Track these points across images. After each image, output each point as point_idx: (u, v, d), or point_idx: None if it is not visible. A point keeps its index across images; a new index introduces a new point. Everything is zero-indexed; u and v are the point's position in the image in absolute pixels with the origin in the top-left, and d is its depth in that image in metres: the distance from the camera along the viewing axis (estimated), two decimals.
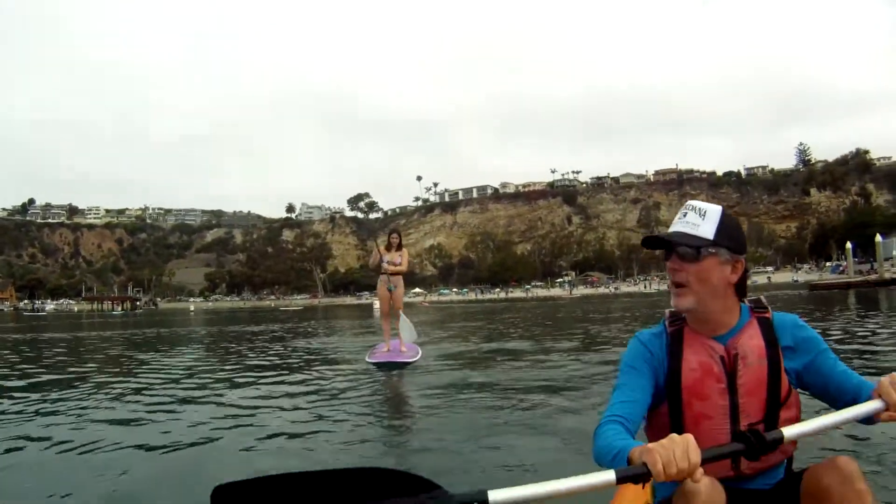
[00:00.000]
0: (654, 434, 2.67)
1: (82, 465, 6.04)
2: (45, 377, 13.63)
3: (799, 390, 2.62)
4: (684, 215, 2.57)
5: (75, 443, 6.97)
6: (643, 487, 2.58)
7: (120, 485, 5.41)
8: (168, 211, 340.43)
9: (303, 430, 7.34)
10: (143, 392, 10.79)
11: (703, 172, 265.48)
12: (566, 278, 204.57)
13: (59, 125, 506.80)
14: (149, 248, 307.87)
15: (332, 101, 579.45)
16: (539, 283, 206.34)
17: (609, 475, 2.03)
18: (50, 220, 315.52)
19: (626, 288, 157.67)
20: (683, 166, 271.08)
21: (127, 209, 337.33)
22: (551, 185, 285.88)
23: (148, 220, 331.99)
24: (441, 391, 9.78)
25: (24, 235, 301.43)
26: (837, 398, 2.57)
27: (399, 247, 14.26)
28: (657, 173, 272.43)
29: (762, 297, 2.61)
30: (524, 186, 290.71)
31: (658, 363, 2.63)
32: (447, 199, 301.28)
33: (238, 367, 15.14)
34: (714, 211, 2.55)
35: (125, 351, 21.57)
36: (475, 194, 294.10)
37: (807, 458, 3.63)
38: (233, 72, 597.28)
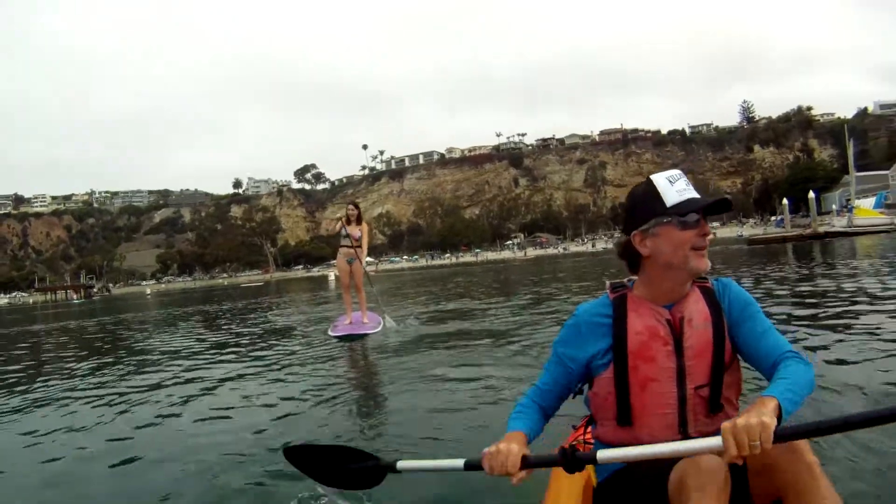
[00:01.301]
0: (600, 402, 2.73)
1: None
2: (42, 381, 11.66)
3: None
4: (680, 181, 2.63)
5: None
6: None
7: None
8: (115, 194, 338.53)
9: (273, 407, 7.57)
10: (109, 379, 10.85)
11: (648, 132, 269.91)
12: (515, 240, 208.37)
13: None
14: (98, 234, 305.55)
15: (275, 71, 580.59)
16: (489, 247, 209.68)
17: (458, 462, 2.53)
18: None
19: (574, 248, 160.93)
20: (628, 126, 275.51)
21: (73, 195, 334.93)
22: (497, 148, 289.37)
23: (95, 205, 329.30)
24: (400, 360, 10.18)
25: None
26: (754, 362, 2.64)
27: (359, 219, 14.64)
28: (602, 133, 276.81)
29: None
30: (470, 151, 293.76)
31: (601, 335, 2.68)
32: (394, 166, 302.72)
33: (204, 345, 15.48)
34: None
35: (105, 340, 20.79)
36: (422, 161, 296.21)
37: None
38: (173, 44, 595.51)
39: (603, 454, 2.30)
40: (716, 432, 2.38)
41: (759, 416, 2.07)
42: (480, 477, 2.74)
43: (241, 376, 9.99)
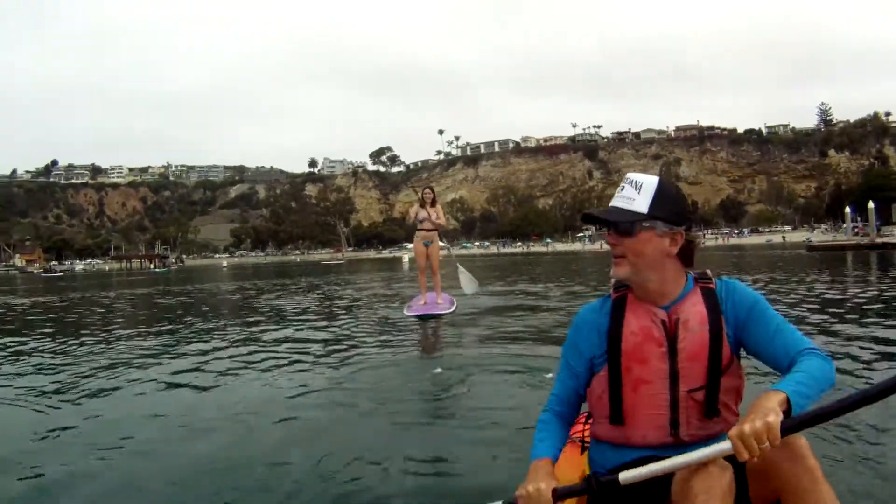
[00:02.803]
0: (594, 402, 2.75)
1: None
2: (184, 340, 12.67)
3: (748, 357, 2.67)
4: (622, 189, 2.63)
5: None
6: (580, 454, 3.04)
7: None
8: (191, 168, 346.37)
9: (344, 381, 7.87)
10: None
11: (725, 129, 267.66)
12: (587, 233, 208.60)
13: (74, 83, 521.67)
14: (173, 206, 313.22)
15: (354, 52, 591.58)
16: (560, 238, 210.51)
17: None
18: (74, 181, 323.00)
19: None
20: (705, 123, 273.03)
21: (150, 167, 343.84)
22: (572, 139, 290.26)
23: (171, 178, 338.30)
24: (472, 339, 10.73)
25: (48, 197, 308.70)
26: (772, 363, 2.61)
27: (433, 202, 15.17)
28: (678, 129, 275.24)
29: (708, 271, 2.66)
30: (545, 140, 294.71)
31: (597, 335, 2.68)
32: (469, 152, 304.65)
33: (278, 318, 16.37)
34: (650, 183, 2.61)
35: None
36: (497, 148, 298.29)
37: None
38: (254, 23, 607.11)
39: (625, 476, 2.34)
40: (710, 436, 2.57)
41: (763, 418, 2.07)
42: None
43: (323, 346, 10.93)
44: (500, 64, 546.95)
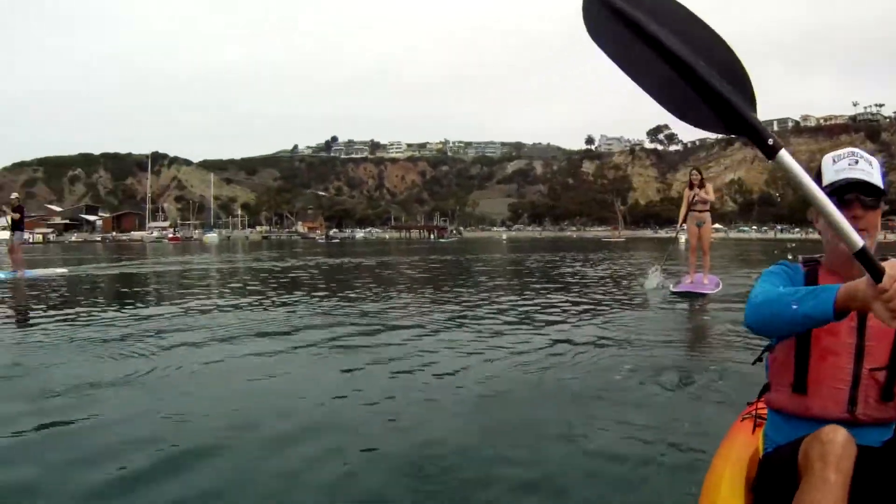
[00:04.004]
0: (779, 366, 2.71)
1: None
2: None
3: None
4: (855, 162, 2.52)
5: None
6: (752, 432, 2.97)
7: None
8: (468, 144, 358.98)
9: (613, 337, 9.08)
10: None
11: None
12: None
13: (357, 69, 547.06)
14: (451, 180, 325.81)
15: None
16: None
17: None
18: (354, 156, 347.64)
19: None
20: None
21: (427, 143, 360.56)
22: (853, 119, 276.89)
23: (449, 153, 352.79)
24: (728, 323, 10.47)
25: (330, 170, 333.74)
26: None
27: (701, 184, 15.50)
28: None
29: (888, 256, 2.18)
30: (825, 120, 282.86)
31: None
32: None
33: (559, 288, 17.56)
34: (875, 160, 2.49)
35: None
36: (775, 127, 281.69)
37: None
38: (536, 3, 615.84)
39: None
40: (883, 420, 2.53)
41: None
42: None
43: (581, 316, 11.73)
44: (776, 38, 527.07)
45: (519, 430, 5.06)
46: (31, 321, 11.96)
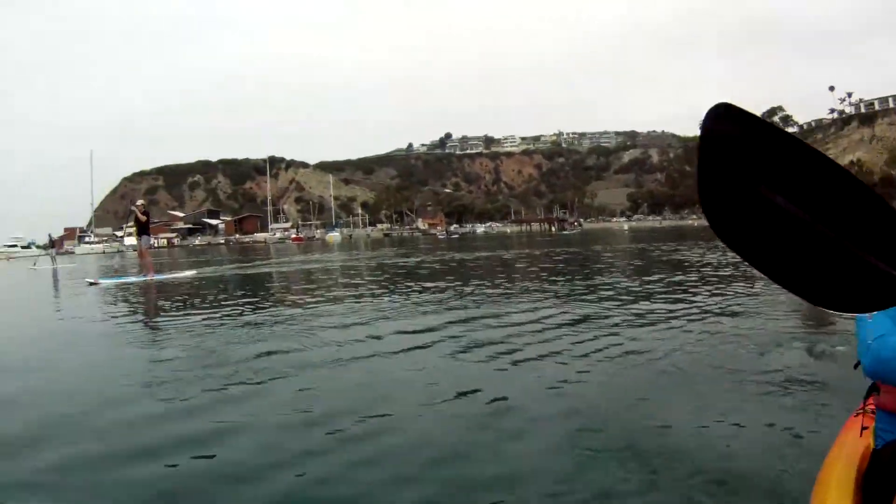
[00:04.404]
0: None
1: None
2: None
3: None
4: None
5: None
6: (860, 435, 2.89)
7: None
8: (583, 135, 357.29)
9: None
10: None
11: None
12: None
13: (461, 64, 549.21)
14: (567, 172, 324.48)
15: (737, 8, 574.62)
16: None
17: None
18: (469, 151, 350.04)
19: None
20: None
21: (541, 136, 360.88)
22: None
23: (563, 145, 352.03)
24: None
25: (446, 167, 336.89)
26: None
27: None
28: None
29: None
30: None
31: None
32: (863, 109, 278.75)
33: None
34: None
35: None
36: (892, 104, 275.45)
37: None
38: None
39: None
40: None
41: None
42: None
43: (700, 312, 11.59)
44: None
45: (651, 407, 5.87)
46: (200, 315, 13.64)
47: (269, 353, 8.95)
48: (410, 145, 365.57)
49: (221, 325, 12.22)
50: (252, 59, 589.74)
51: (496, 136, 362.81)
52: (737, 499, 4.02)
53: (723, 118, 1.56)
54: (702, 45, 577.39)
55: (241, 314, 13.79)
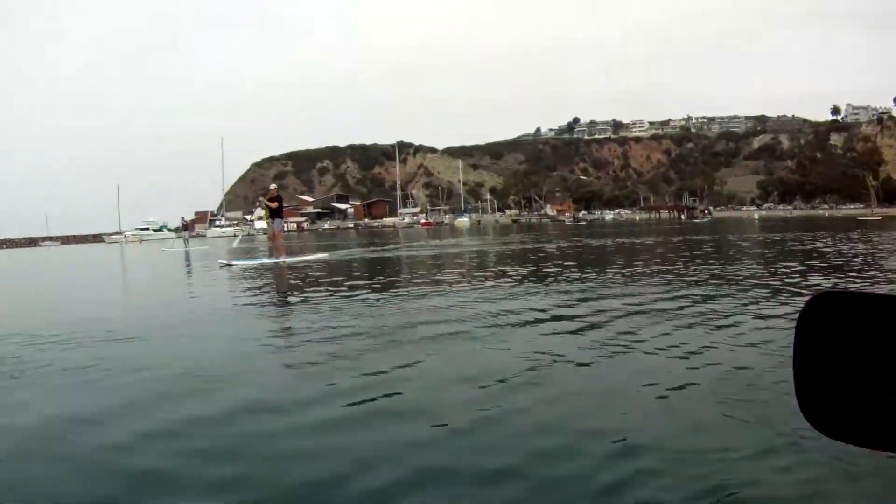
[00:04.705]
0: None
1: None
2: None
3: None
4: None
5: None
6: None
7: None
8: (712, 119, 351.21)
9: None
10: None
11: None
12: None
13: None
14: (696, 158, 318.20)
15: None
16: None
17: None
18: (597, 136, 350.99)
19: None
20: None
21: (670, 120, 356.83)
22: None
23: (692, 130, 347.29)
24: None
25: (574, 152, 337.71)
26: None
27: None
28: None
29: None
30: None
31: None
32: None
33: None
34: None
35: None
36: None
37: None
38: None
39: None
40: None
41: None
42: None
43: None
44: None
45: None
46: (350, 293, 14.90)
47: (449, 333, 9.57)
48: (538, 130, 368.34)
49: (387, 301, 13.57)
50: (377, 50, 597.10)
51: (624, 121, 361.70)
52: None
53: (826, 316, 1.22)
54: (837, 17, 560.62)
55: (404, 293, 14.92)
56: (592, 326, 9.85)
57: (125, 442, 5.28)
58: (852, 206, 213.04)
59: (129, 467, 4.79)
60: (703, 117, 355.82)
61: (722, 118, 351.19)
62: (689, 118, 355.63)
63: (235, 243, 40.77)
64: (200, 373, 7.71)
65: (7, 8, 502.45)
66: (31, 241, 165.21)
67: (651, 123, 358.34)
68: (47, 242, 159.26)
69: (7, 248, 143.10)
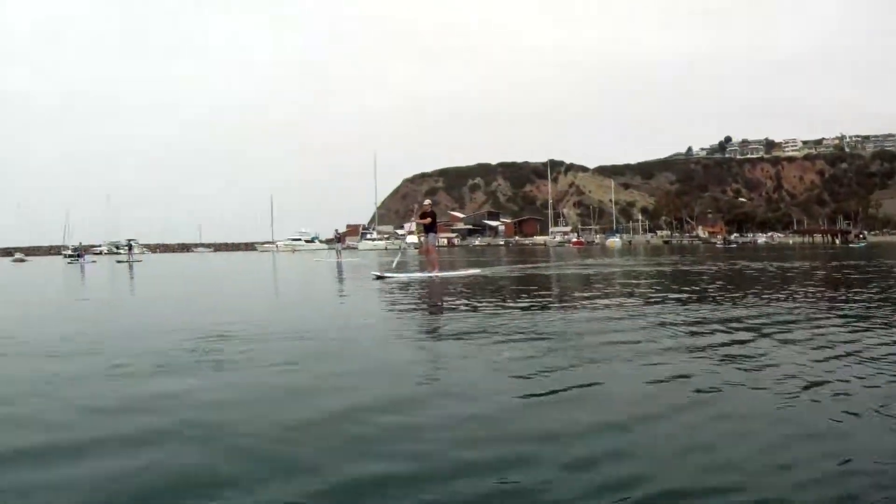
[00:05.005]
0: None
1: None
2: None
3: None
4: None
5: None
6: None
7: None
8: (866, 138, 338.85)
9: None
10: None
11: None
12: None
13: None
14: (850, 178, 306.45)
15: None
16: None
17: None
18: (749, 156, 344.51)
19: None
20: None
21: (824, 139, 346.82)
22: None
23: (847, 149, 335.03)
24: None
25: (725, 172, 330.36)
26: None
27: None
28: None
29: None
30: None
31: None
32: None
33: None
34: None
35: None
36: None
37: None
38: None
39: None
40: None
41: None
42: None
43: None
44: None
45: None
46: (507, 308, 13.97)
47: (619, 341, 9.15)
48: (690, 149, 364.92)
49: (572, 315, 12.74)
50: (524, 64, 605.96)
51: (777, 140, 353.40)
52: None
53: None
54: None
55: (571, 307, 14.37)
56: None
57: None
58: None
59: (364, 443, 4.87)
60: (857, 136, 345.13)
61: (877, 136, 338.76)
62: (843, 136, 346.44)
63: (399, 257, 40.15)
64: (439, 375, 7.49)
65: None
66: (185, 247, 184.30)
67: (804, 143, 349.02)
68: (200, 248, 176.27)
69: (161, 252, 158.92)
